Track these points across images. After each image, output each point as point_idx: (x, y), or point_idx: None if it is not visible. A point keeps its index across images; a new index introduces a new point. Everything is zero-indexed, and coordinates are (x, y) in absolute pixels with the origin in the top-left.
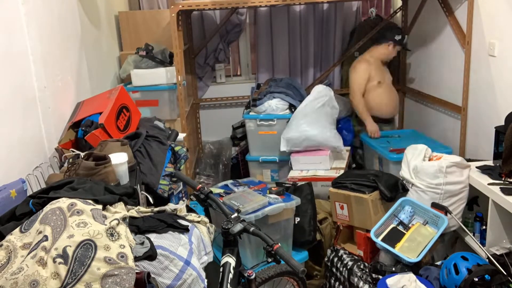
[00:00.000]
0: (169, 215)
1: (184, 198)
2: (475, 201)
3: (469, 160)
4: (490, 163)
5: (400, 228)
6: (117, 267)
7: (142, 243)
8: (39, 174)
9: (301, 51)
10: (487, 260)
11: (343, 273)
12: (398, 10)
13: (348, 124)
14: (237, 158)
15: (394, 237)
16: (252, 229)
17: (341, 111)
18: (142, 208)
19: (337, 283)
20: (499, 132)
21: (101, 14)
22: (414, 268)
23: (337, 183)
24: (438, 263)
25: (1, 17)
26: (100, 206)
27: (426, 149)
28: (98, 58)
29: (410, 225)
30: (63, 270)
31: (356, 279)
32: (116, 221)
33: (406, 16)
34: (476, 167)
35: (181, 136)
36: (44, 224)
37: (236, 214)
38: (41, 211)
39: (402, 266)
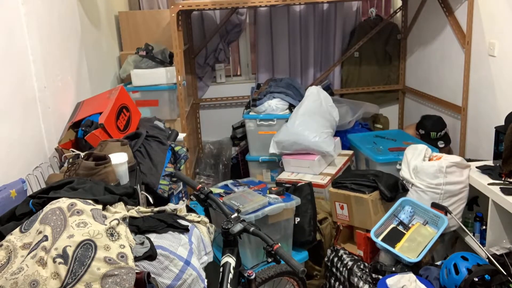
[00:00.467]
0: (169, 215)
1: (184, 198)
2: (475, 201)
3: (469, 160)
4: (490, 163)
5: (400, 228)
6: (117, 267)
7: (142, 243)
8: (39, 174)
9: (301, 51)
10: (487, 260)
11: (343, 273)
12: (398, 10)
13: (364, 129)
14: (237, 158)
15: (394, 237)
16: (252, 229)
17: (345, 115)
18: (142, 208)
19: (337, 283)
20: (499, 132)
21: (101, 14)
22: (414, 268)
23: (337, 183)
24: (438, 263)
25: (1, 17)
26: (100, 206)
27: (426, 149)
28: (98, 58)
29: (410, 225)
30: (63, 270)
31: (356, 279)
32: (116, 221)
33: (406, 16)
34: (476, 167)
35: (181, 136)
36: (44, 224)
37: (236, 214)
38: (41, 211)
39: (402, 266)
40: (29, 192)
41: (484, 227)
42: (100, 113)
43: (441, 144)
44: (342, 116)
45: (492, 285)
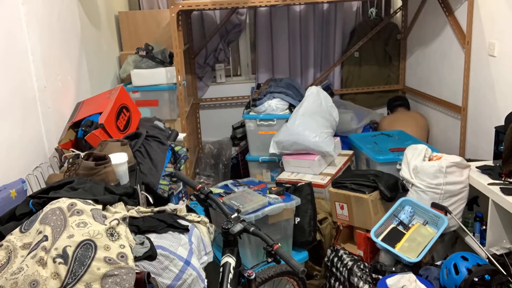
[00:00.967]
0: (169, 215)
1: (184, 198)
2: (475, 201)
3: (469, 160)
4: (490, 163)
5: (400, 228)
6: (117, 267)
7: (142, 243)
8: (39, 174)
9: (301, 51)
10: (487, 260)
11: (343, 273)
12: (398, 10)
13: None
14: (237, 158)
15: (394, 237)
16: (252, 229)
17: (350, 123)
18: (142, 208)
19: (337, 283)
20: (499, 132)
21: (101, 14)
22: (414, 268)
23: (337, 183)
24: (438, 263)
25: (1, 17)
26: (100, 206)
27: (426, 149)
28: (98, 58)
29: (410, 225)
30: (63, 270)
31: (356, 279)
32: (116, 221)
33: (406, 16)
34: (476, 167)
35: (181, 136)
36: (44, 224)
37: (236, 214)
38: (41, 211)
39: (402, 266)
40: (29, 192)
41: (484, 227)
42: (100, 113)
43: None
44: (347, 123)
45: (492, 285)
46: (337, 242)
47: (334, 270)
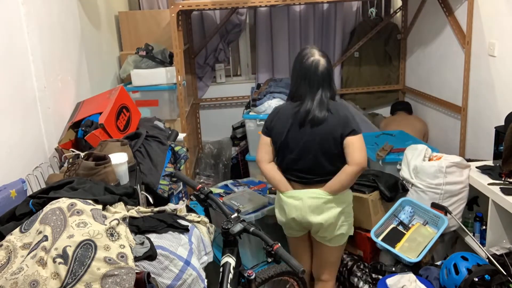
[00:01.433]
0: (169, 215)
1: (184, 198)
2: (475, 201)
3: (469, 160)
4: (490, 163)
5: (400, 228)
6: (117, 267)
7: (142, 243)
8: (39, 174)
9: None
10: (487, 260)
11: (343, 273)
12: (398, 10)
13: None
14: (237, 158)
15: (394, 237)
16: (252, 229)
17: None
18: (142, 208)
19: (337, 283)
20: (499, 132)
21: (101, 14)
22: (414, 268)
23: None
24: (438, 263)
25: (1, 17)
26: (100, 206)
27: (426, 149)
28: (98, 58)
29: (410, 225)
30: (63, 270)
31: (356, 279)
32: (116, 221)
33: (406, 16)
34: (476, 167)
35: (181, 136)
36: (44, 224)
37: (236, 214)
38: (41, 211)
39: (402, 266)
40: (29, 192)
41: (484, 227)
42: (100, 113)
43: None
44: None
45: (492, 285)
46: None
47: None
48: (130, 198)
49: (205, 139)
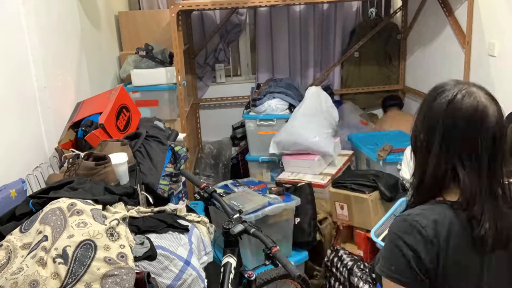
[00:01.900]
0: (169, 215)
1: (184, 198)
2: None
3: None
4: None
5: None
6: (117, 267)
7: (142, 243)
8: (39, 174)
9: (301, 51)
10: None
11: (343, 273)
12: (398, 10)
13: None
14: (237, 158)
15: None
16: (252, 230)
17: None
18: (142, 208)
19: (337, 283)
20: None
21: (101, 14)
22: None
23: (337, 183)
24: None
25: (1, 17)
26: (100, 206)
27: None
28: (98, 58)
29: None
30: (63, 270)
31: (356, 279)
32: (116, 221)
33: (406, 16)
34: None
35: (181, 136)
36: (44, 224)
37: (238, 215)
38: (41, 211)
39: None
40: (29, 192)
41: None
42: (100, 113)
43: None
44: None
45: None
46: (337, 242)
47: (334, 270)
48: (130, 198)
49: (205, 139)
